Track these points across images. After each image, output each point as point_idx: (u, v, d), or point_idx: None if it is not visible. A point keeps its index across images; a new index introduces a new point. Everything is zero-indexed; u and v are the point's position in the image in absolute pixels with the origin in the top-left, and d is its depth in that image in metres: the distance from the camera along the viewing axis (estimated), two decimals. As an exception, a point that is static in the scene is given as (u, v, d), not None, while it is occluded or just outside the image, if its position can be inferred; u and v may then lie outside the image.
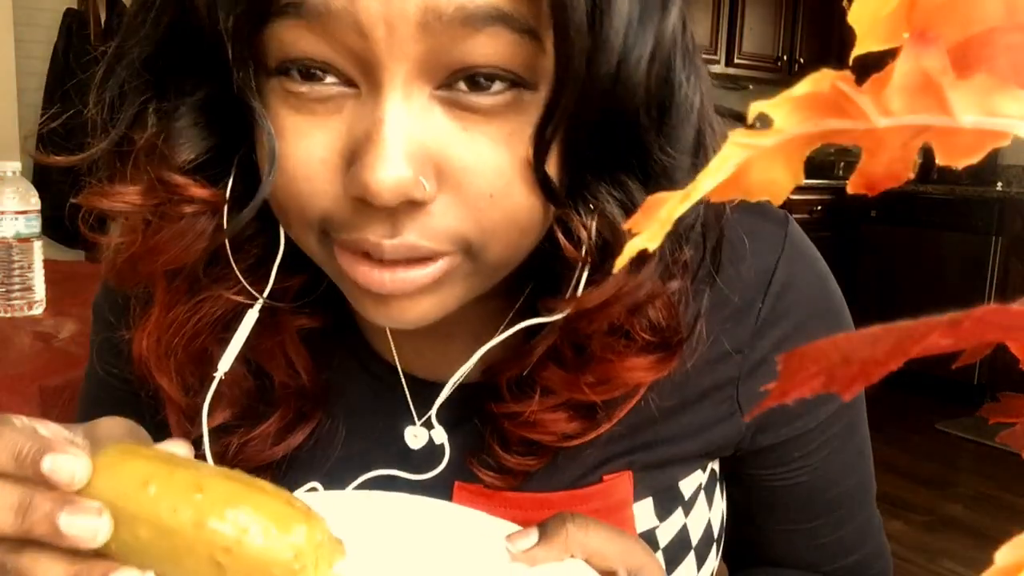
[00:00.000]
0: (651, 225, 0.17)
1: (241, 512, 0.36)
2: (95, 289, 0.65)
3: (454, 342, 0.55)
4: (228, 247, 0.49)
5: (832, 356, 0.16)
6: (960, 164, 0.16)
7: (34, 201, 1.27)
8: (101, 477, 0.37)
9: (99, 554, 0.37)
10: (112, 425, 0.45)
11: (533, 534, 0.48)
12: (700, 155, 0.46)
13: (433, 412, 0.55)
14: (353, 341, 0.58)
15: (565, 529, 0.47)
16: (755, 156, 0.16)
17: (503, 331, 0.51)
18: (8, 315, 1.26)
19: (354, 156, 0.40)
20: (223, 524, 0.36)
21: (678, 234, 0.48)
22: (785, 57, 4.80)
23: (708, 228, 0.51)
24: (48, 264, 1.32)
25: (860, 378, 0.16)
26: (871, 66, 0.17)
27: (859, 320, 0.18)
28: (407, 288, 0.43)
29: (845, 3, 0.17)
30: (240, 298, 0.51)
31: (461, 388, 0.54)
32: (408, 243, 0.42)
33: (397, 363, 0.57)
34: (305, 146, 0.42)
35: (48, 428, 0.41)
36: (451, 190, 0.41)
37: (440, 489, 0.55)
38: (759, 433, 0.57)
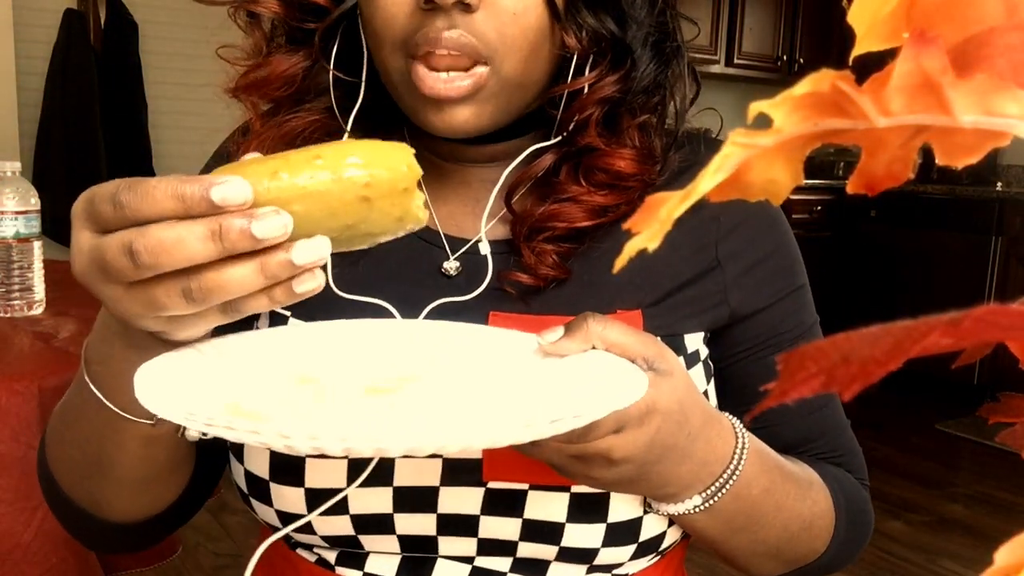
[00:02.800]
0: (651, 224, 0.17)
1: (359, 156, 0.45)
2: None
3: (479, 207, 0.70)
4: (332, 84, 0.66)
5: (832, 356, 0.16)
6: (960, 164, 0.16)
7: (34, 201, 1.27)
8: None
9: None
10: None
11: (559, 329, 0.55)
12: (654, 14, 0.65)
13: (484, 217, 0.69)
14: None
15: (586, 323, 0.54)
16: (755, 156, 0.16)
17: (519, 161, 0.67)
18: (8, 315, 1.26)
19: None
20: (353, 169, 0.44)
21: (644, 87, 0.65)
22: (785, 57, 4.80)
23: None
24: (48, 264, 1.32)
25: (860, 378, 0.16)
26: (871, 66, 0.17)
27: (859, 320, 0.18)
28: (452, 93, 0.59)
29: (845, 3, 0.17)
30: (322, 117, 0.67)
31: (489, 243, 0.68)
32: (458, 34, 0.58)
33: (435, 220, 0.70)
34: None
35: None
36: (488, 6, 0.58)
37: (477, 318, 0.65)
38: (735, 290, 0.69)
